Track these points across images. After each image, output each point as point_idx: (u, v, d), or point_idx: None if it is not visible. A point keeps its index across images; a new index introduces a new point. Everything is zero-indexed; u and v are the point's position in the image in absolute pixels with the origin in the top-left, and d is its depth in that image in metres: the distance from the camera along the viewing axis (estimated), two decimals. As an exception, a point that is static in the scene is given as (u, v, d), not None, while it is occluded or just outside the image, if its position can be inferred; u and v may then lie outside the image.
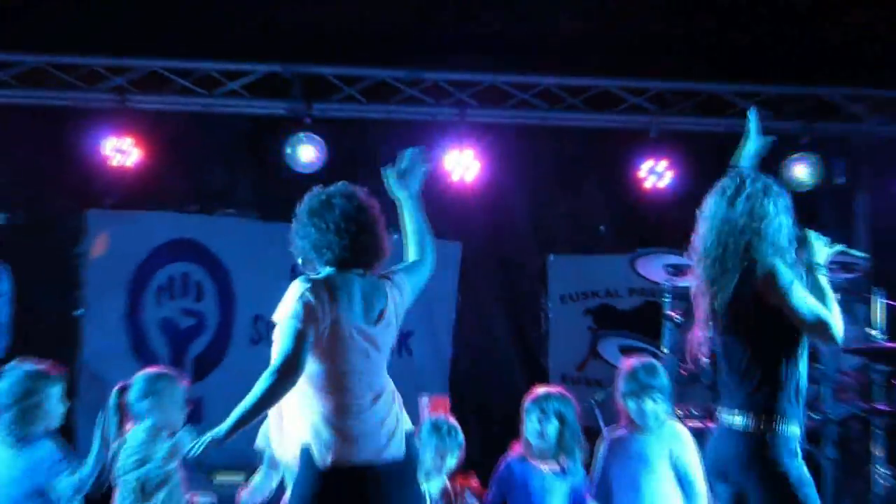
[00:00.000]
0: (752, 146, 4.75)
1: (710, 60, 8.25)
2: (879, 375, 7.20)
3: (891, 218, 8.70)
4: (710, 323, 4.44)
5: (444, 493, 5.55)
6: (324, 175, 7.38)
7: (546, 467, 5.60)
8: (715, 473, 4.43)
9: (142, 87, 8.26)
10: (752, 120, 4.79)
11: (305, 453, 4.17)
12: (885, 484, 6.99)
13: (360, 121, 8.53)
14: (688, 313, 7.85)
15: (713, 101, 8.33)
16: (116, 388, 5.22)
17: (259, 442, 4.90)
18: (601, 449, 5.66)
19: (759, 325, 4.31)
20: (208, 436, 3.99)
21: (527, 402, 5.66)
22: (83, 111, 8.20)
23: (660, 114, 8.51)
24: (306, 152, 8.11)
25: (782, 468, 4.21)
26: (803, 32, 7.95)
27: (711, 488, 4.59)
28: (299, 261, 4.42)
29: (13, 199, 7.60)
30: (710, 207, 4.47)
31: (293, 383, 4.10)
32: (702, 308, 4.46)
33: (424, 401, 6.18)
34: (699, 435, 6.52)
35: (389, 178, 4.69)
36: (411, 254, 4.64)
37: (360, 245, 4.35)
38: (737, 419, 4.26)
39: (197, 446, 3.99)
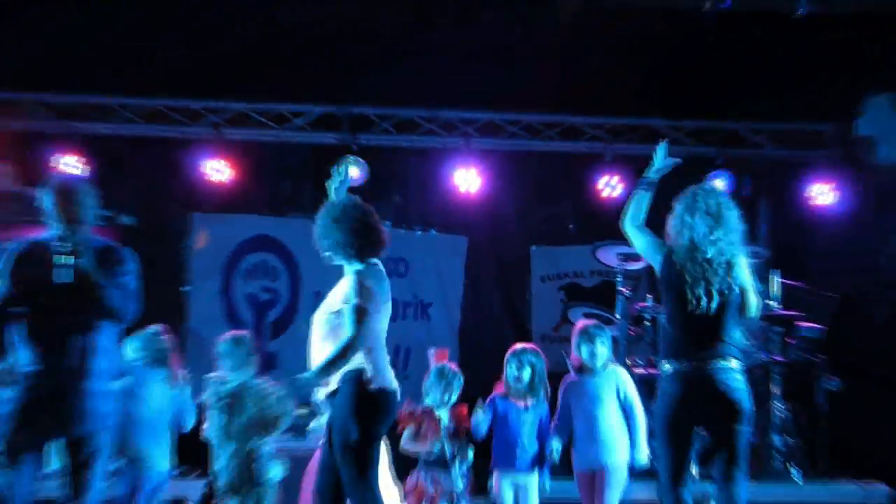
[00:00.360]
0: (659, 164, 4.75)
1: (650, 102, 8.23)
2: (776, 335, 7.20)
3: (784, 220, 8.71)
4: (688, 298, 4.35)
5: (449, 419, 5.53)
6: (366, 188, 7.38)
7: (520, 403, 5.53)
8: (687, 413, 4.35)
9: (232, 122, 8.28)
10: (661, 149, 4.79)
11: (354, 375, 4.30)
12: (781, 415, 7.01)
13: (392, 148, 8.50)
14: (635, 289, 7.91)
15: (652, 132, 8.29)
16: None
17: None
18: (561, 390, 5.60)
19: (730, 302, 4.35)
20: (307, 374, 4.28)
21: (508, 354, 5.59)
22: (188, 140, 8.23)
23: (613, 142, 8.48)
24: (353, 171, 8.09)
25: (748, 401, 4.33)
26: (717, 82, 7.91)
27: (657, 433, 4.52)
28: (327, 255, 4.50)
29: (138, 206, 7.64)
30: (715, 202, 4.43)
31: (358, 350, 4.28)
32: (684, 282, 4.36)
33: (431, 352, 6.16)
34: (643, 379, 6.56)
35: (330, 187, 4.87)
36: None
37: (372, 240, 4.49)
38: (720, 363, 4.30)
39: (300, 383, 4.28)
